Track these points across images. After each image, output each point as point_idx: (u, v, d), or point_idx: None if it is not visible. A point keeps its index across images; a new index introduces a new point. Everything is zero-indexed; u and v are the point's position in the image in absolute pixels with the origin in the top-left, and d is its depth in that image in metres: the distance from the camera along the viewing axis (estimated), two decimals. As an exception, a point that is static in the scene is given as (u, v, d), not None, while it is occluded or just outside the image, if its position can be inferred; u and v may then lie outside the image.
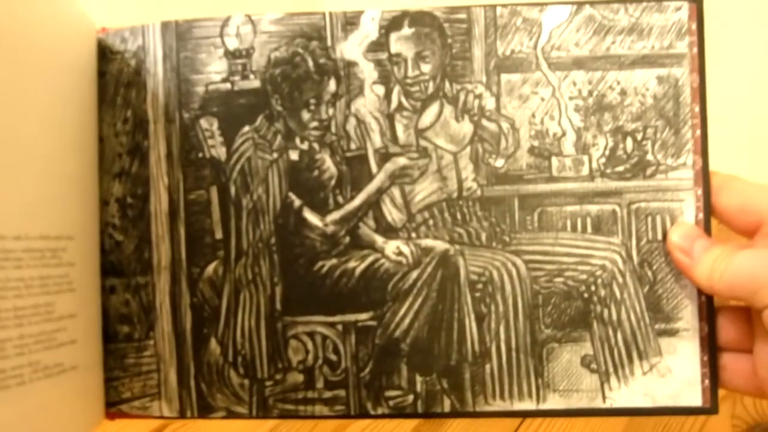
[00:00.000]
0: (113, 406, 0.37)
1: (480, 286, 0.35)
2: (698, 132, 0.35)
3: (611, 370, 0.35)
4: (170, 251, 0.37)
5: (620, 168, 0.36)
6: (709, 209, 0.35)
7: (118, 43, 0.37)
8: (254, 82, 0.35)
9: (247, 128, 0.35)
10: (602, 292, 0.35)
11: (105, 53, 0.37)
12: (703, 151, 0.35)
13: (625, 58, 0.35)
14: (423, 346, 0.36)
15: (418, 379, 0.36)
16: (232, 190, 0.36)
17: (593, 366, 0.36)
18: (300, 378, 0.36)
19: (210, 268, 0.36)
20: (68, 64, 0.35)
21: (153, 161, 0.37)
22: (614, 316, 0.35)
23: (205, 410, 0.36)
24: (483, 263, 0.35)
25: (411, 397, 0.36)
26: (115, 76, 0.37)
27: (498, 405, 0.35)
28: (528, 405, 0.36)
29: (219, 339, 0.36)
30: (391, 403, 0.36)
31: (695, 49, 0.35)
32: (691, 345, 0.35)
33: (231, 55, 0.35)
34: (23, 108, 0.31)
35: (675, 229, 0.34)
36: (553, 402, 0.35)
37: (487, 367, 0.35)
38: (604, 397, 0.35)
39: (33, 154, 0.32)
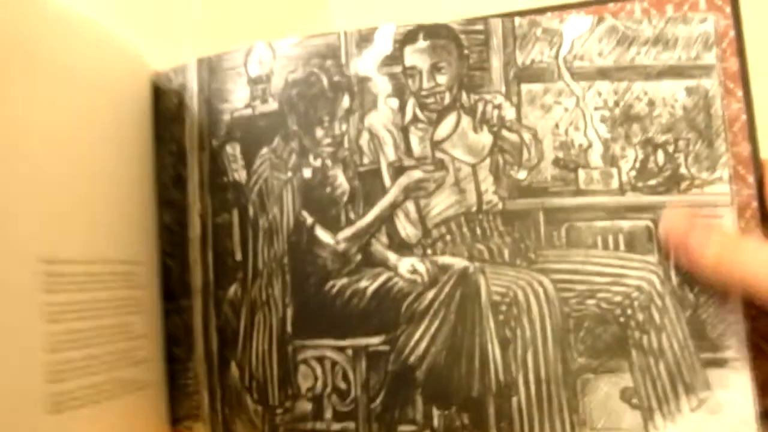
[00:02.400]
0: (174, 424, 0.37)
1: (504, 307, 0.33)
2: (745, 144, 0.32)
3: (655, 405, 0.31)
4: (201, 274, 0.37)
5: (652, 181, 0.33)
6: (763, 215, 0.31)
7: (165, 82, 0.40)
8: (272, 105, 0.36)
9: (265, 149, 0.36)
10: (640, 317, 0.32)
11: (157, 93, 0.40)
12: (755, 163, 0.32)
13: (651, 69, 0.33)
14: (440, 374, 0.33)
15: (436, 412, 0.33)
16: (251, 211, 0.36)
17: (634, 401, 0.31)
18: (308, 407, 0.34)
19: (231, 290, 0.36)
20: (127, 104, 0.38)
21: (190, 189, 0.38)
22: (655, 344, 0.31)
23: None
24: (506, 282, 0.33)
25: (419, 433, 0.33)
26: (163, 113, 0.39)
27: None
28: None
29: (237, 362, 0.36)
30: (400, 436, 0.33)
31: (733, 60, 0.32)
32: (742, 377, 0.30)
33: (253, 81, 0.37)
34: (94, 145, 0.34)
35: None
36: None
37: (514, 400, 0.32)
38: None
39: (106, 185, 0.35)
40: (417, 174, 0.34)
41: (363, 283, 0.34)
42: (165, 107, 0.39)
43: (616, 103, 0.33)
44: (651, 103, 0.33)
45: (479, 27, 0.34)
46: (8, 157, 0.29)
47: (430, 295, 0.33)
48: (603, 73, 0.33)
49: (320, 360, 0.34)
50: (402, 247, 0.34)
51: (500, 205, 0.34)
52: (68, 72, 0.33)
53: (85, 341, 0.31)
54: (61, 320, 0.30)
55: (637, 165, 0.33)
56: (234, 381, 0.35)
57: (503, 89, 0.34)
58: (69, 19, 0.33)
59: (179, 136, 0.39)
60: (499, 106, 0.34)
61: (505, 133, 0.34)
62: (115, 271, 0.34)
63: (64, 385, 0.30)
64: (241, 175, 0.37)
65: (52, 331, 0.29)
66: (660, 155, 0.33)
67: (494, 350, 0.33)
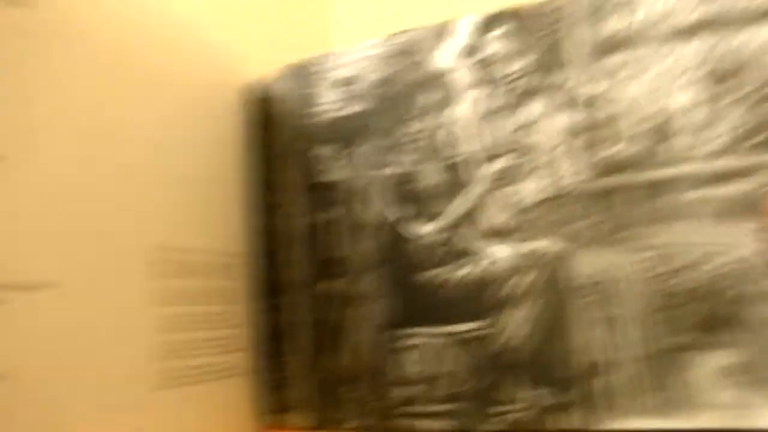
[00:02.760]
0: (271, 416, 0.39)
1: (595, 287, 0.33)
2: None
3: (758, 382, 0.30)
4: (296, 272, 0.39)
5: (755, 140, 0.31)
6: None
7: (256, 91, 0.42)
8: (359, 106, 0.37)
9: (354, 150, 0.37)
10: (744, 288, 0.31)
11: (248, 101, 0.42)
12: None
13: (744, 14, 0.32)
14: (534, 356, 0.33)
15: (532, 392, 0.33)
16: (344, 210, 0.37)
17: (737, 377, 0.30)
18: (409, 392, 0.35)
19: (327, 285, 0.38)
20: (220, 111, 0.40)
21: (284, 192, 0.40)
22: (759, 319, 0.30)
23: (324, 426, 0.37)
24: (598, 262, 0.33)
25: (525, 413, 0.33)
26: (254, 120, 0.41)
27: (625, 423, 0.32)
28: (660, 423, 0.31)
29: (334, 354, 0.37)
30: (504, 418, 0.33)
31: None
32: None
33: (340, 83, 0.38)
34: (191, 149, 0.37)
35: None
36: (689, 420, 0.31)
37: (610, 378, 0.32)
38: (752, 416, 0.30)
39: (205, 185, 0.37)
40: (503, 162, 0.34)
41: (455, 272, 0.35)
42: (256, 114, 0.42)
43: (709, 61, 0.32)
44: (743, 60, 0.32)
45: (554, 5, 0.35)
46: (123, 157, 0.32)
47: (522, 279, 0.34)
48: (691, 31, 0.33)
49: (418, 347, 0.35)
50: (493, 234, 0.34)
51: (590, 185, 0.33)
52: (168, 78, 0.35)
53: (190, 325, 0.34)
54: (169, 304, 0.33)
55: (738, 127, 0.32)
56: (331, 372, 0.37)
57: (585, 65, 0.34)
58: (171, 27, 0.36)
59: (272, 142, 0.41)
60: (581, 84, 0.34)
61: (590, 110, 0.34)
62: (216, 262, 0.37)
63: (170, 363, 0.33)
64: (333, 176, 0.38)
65: (161, 314, 0.32)
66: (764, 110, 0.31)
67: (587, 331, 0.33)
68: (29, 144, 0.26)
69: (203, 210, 0.37)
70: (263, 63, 0.42)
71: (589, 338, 0.32)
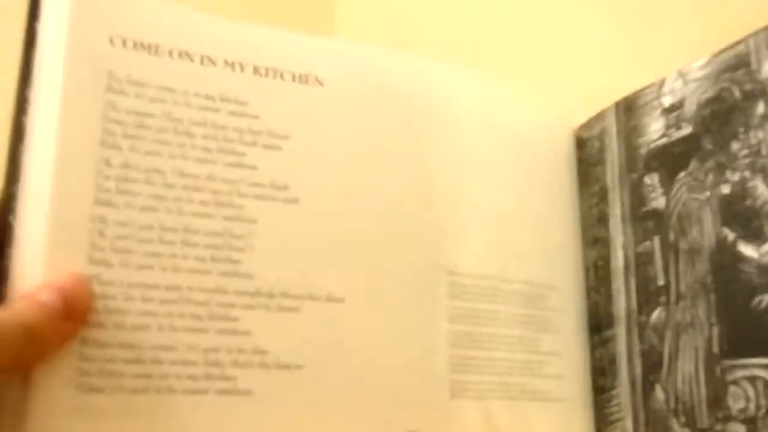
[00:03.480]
0: None
1: None
2: None
3: None
4: (625, 303, 0.39)
5: None
6: None
7: (587, 130, 0.44)
8: (686, 129, 0.37)
9: (682, 174, 0.37)
10: None
11: (580, 141, 0.44)
12: None
13: None
14: None
15: None
16: (671, 237, 0.37)
17: None
18: (741, 429, 0.32)
19: (654, 315, 0.37)
20: (551, 154, 0.43)
21: (612, 224, 0.41)
22: None
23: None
24: None
25: None
26: (586, 158, 0.43)
27: None
28: None
29: (663, 386, 0.36)
30: None
31: None
32: None
33: (667, 111, 0.38)
34: (525, 192, 0.41)
35: None
36: None
37: None
38: None
39: (528, 219, 0.41)
40: None
41: (799, 298, 0.31)
42: (587, 153, 0.43)
43: None
44: None
45: None
46: (453, 192, 0.37)
47: None
48: None
49: (752, 380, 0.32)
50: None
51: None
52: (500, 129, 0.40)
53: (484, 344, 0.36)
54: (462, 322, 0.36)
55: None
56: (659, 405, 0.35)
57: None
58: (498, 93, 0.42)
59: (601, 177, 0.42)
60: None
61: None
62: (518, 290, 0.38)
63: (464, 376, 0.35)
64: (660, 203, 0.38)
65: (455, 330, 0.35)
66: None
67: None
68: (318, 187, 0.33)
69: (520, 241, 0.39)
70: (592, 103, 0.44)
71: None
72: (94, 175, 0.28)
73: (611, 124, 0.42)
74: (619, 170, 0.41)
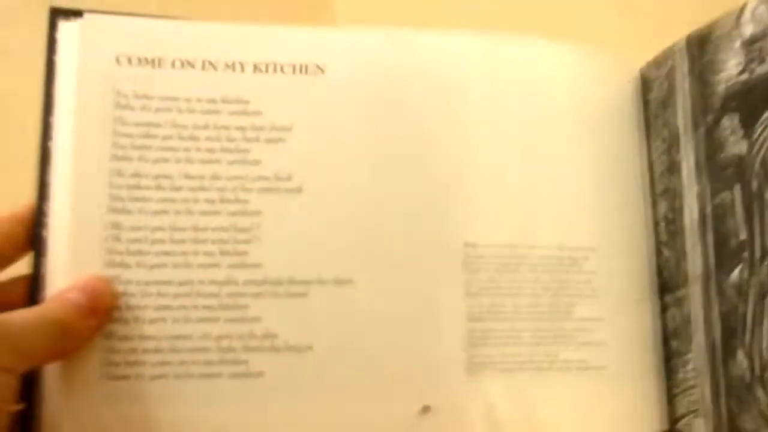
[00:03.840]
0: (675, 423, 0.36)
1: None
2: None
3: None
4: (701, 260, 0.35)
5: None
6: None
7: (654, 71, 0.40)
8: (771, 64, 0.32)
9: (766, 114, 0.32)
10: None
11: (646, 84, 0.40)
12: None
13: None
14: None
15: None
16: (755, 185, 0.33)
17: None
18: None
19: (735, 273, 0.33)
20: (611, 101, 0.40)
21: (684, 174, 0.37)
22: None
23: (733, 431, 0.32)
24: None
25: None
26: (653, 102, 0.39)
27: None
28: None
29: (746, 351, 0.32)
30: None
31: None
32: None
33: (747, 42, 0.34)
34: (568, 149, 0.38)
35: None
36: None
37: None
38: None
39: (564, 183, 0.38)
40: None
41: None
42: (655, 96, 0.39)
43: None
44: None
45: None
46: (492, 162, 0.36)
47: None
48: None
49: None
50: None
51: None
52: (522, 84, 0.38)
53: (507, 315, 0.35)
54: (481, 294, 0.34)
55: None
56: (742, 372, 0.32)
57: None
58: (558, 52, 0.39)
59: (671, 121, 0.38)
60: None
61: None
62: (548, 256, 0.36)
63: (483, 350, 0.34)
64: (741, 148, 0.34)
65: (472, 304, 0.34)
66: None
67: None
68: (322, 173, 0.33)
69: (555, 205, 0.37)
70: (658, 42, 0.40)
71: None
72: (108, 187, 0.31)
73: (681, 62, 0.37)
74: (692, 112, 0.36)
